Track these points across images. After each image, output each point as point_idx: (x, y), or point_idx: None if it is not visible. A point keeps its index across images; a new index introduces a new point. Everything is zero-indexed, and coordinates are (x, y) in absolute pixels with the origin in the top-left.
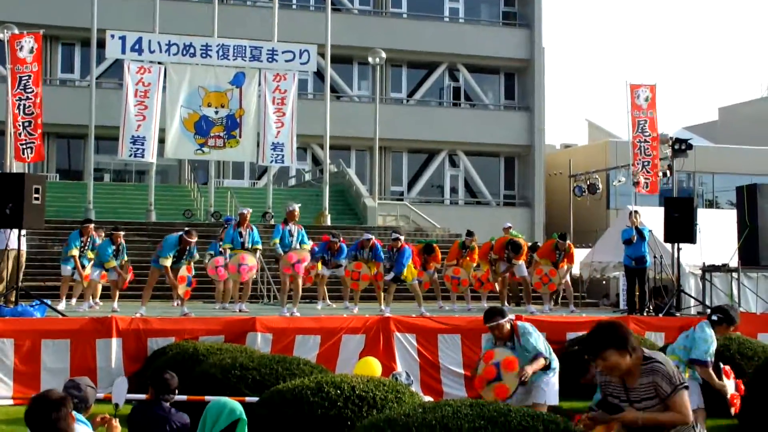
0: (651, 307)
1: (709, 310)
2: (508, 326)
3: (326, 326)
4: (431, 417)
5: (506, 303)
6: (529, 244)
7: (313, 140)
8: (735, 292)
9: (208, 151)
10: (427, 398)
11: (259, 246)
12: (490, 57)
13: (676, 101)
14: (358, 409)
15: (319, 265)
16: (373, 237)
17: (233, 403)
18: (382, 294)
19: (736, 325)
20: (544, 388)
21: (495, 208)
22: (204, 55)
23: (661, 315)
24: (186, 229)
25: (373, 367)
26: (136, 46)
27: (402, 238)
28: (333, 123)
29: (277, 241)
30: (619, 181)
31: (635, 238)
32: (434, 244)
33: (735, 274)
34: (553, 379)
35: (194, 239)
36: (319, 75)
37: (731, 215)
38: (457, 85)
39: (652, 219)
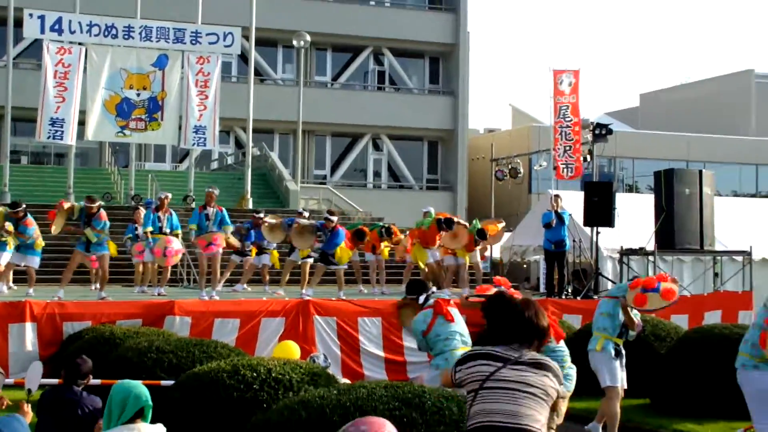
0: (569, 290)
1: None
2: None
3: (245, 309)
4: (345, 399)
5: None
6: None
7: (236, 123)
8: (651, 274)
9: (129, 134)
10: (345, 381)
11: (179, 231)
12: (415, 41)
13: (598, 87)
14: (274, 391)
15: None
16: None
17: (138, 389)
18: (307, 277)
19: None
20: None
21: (418, 192)
22: (126, 37)
23: (579, 298)
24: (86, 196)
25: (291, 350)
26: (56, 26)
27: (334, 219)
28: (256, 106)
29: (194, 226)
30: (541, 166)
31: (555, 221)
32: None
33: (651, 258)
34: None
35: (96, 204)
36: (243, 58)
37: (650, 200)
38: (382, 69)
39: (573, 203)
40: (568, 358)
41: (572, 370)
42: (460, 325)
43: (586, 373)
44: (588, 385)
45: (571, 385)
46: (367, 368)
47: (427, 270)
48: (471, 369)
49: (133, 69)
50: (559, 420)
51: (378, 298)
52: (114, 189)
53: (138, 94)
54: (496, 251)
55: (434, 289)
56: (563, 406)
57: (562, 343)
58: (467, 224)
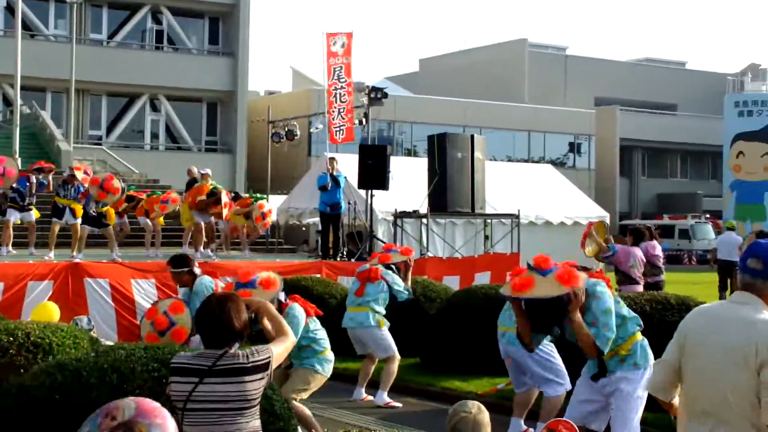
0: (344, 253)
1: None
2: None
3: (10, 273)
4: (103, 360)
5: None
6: (232, 193)
7: (3, 80)
8: (424, 237)
9: None
10: (109, 343)
11: None
12: (194, 0)
13: (379, 52)
14: (32, 356)
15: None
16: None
17: None
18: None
19: None
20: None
21: (196, 153)
22: None
23: (353, 260)
24: None
25: (50, 312)
26: None
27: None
28: (26, 62)
29: None
30: (317, 128)
31: (330, 184)
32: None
33: (425, 220)
34: None
35: None
36: (10, 10)
37: (426, 164)
38: (161, 28)
39: (350, 166)
40: (326, 342)
41: (330, 355)
42: None
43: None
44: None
45: (329, 367)
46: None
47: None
48: (172, 388)
49: None
50: (304, 395)
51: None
52: None
53: None
54: (273, 214)
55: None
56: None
57: (317, 323)
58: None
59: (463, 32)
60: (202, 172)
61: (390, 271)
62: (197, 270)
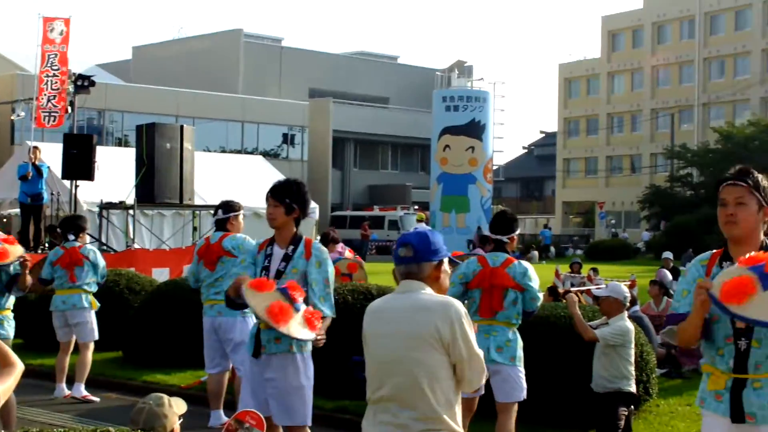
0: (47, 245)
1: (105, 247)
2: None
3: None
4: None
5: None
6: None
7: None
8: (132, 229)
9: None
10: None
11: None
12: None
13: (91, 38)
14: None
15: None
16: None
17: None
18: None
19: None
20: None
21: None
22: None
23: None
24: None
25: None
26: None
27: None
28: None
29: None
30: (18, 116)
31: (31, 174)
32: None
33: (132, 212)
34: None
35: None
36: None
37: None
38: None
39: (56, 156)
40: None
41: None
42: None
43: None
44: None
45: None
46: None
47: None
48: None
49: None
50: None
51: None
52: None
53: None
54: None
55: None
56: None
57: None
58: None
59: (178, 21)
60: None
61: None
62: None
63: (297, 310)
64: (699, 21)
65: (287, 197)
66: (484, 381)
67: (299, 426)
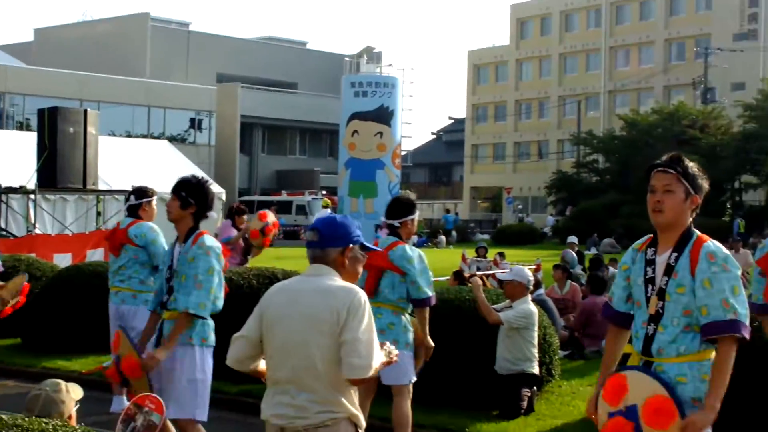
0: None
1: (4, 232)
2: None
3: None
4: None
5: None
6: None
7: None
8: (33, 214)
9: None
10: None
11: None
12: None
13: None
14: None
15: None
16: None
17: None
18: None
19: None
20: None
21: None
22: None
23: None
24: None
25: None
26: None
27: None
28: None
29: None
30: None
31: None
32: None
33: (33, 197)
34: None
35: None
36: None
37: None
38: None
39: None
40: None
41: None
42: None
43: None
44: None
45: None
46: None
47: None
48: None
49: None
50: None
51: None
52: None
53: None
54: None
55: None
56: None
57: None
58: None
59: (82, 3)
60: None
61: None
62: None
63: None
64: (605, 10)
65: (183, 191)
66: (372, 371)
67: (188, 419)
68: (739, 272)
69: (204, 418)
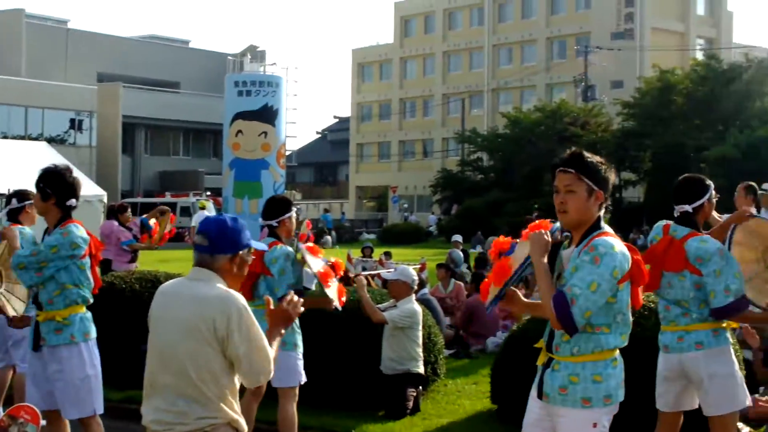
0: None
1: None
2: None
3: None
4: None
5: None
6: None
7: None
8: None
9: None
10: None
11: None
12: None
13: None
14: None
15: None
16: None
17: None
18: None
19: None
20: None
21: None
22: None
23: None
24: None
25: None
26: None
27: None
28: None
29: None
30: None
31: None
32: None
33: None
34: None
35: None
36: None
37: None
38: None
39: None
40: None
41: None
42: None
43: None
44: None
45: None
46: None
47: None
48: None
49: None
50: None
51: None
52: None
53: None
54: None
55: None
56: None
57: None
58: None
59: None
60: None
61: None
62: None
63: None
64: (488, 9)
65: (42, 182)
66: (272, 367)
67: (90, 416)
68: (616, 274)
69: (101, 410)
